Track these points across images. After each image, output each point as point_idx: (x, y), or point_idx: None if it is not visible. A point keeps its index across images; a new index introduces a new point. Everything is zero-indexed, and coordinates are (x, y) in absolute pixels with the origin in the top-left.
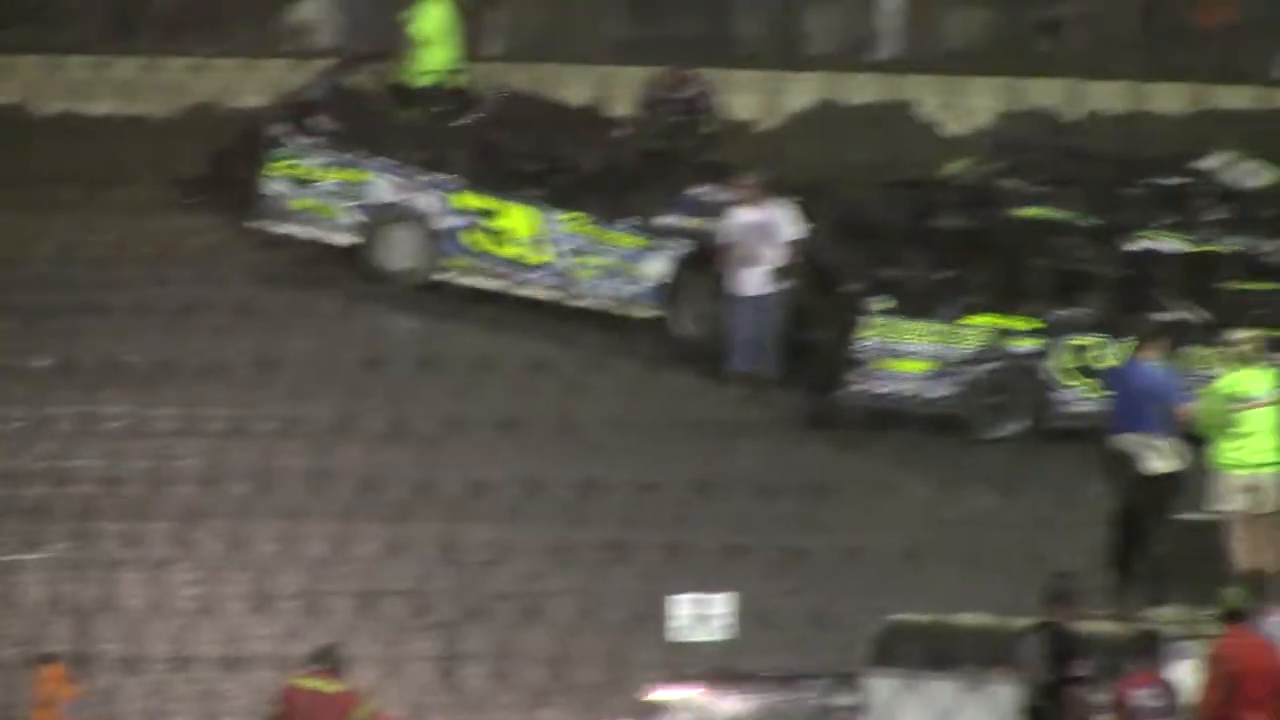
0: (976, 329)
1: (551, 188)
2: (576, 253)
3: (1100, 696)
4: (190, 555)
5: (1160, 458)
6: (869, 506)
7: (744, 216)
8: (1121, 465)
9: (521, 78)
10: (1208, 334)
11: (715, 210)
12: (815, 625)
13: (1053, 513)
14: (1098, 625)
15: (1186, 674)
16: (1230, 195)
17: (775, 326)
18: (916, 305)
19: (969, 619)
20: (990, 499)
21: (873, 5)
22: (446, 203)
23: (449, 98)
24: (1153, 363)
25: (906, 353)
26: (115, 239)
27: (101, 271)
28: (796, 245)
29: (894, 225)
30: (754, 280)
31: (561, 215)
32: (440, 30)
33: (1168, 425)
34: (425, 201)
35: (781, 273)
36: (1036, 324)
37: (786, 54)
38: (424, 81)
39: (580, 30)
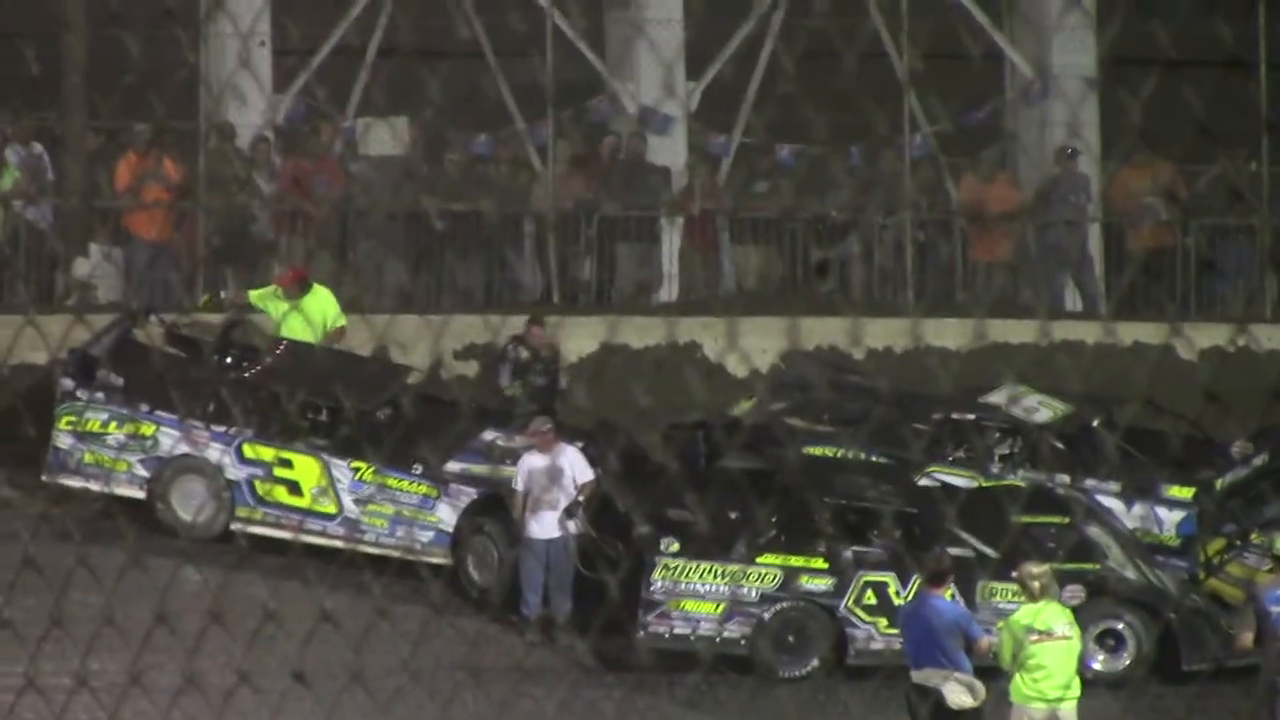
0: (767, 569)
1: (337, 437)
2: (365, 501)
3: None
4: None
5: (961, 692)
6: None
7: (535, 462)
8: (921, 701)
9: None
10: (998, 569)
11: (503, 456)
12: None
13: None
14: None
15: None
16: (1016, 430)
17: (567, 570)
18: (705, 547)
19: None
20: None
21: (653, 248)
22: (238, 454)
23: (231, 349)
24: (945, 598)
25: (698, 594)
26: None
27: None
28: (587, 489)
29: (681, 467)
30: (545, 525)
31: (349, 464)
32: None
33: (965, 660)
34: (216, 453)
35: (572, 516)
36: (827, 563)
37: (566, 298)
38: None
39: (361, 279)
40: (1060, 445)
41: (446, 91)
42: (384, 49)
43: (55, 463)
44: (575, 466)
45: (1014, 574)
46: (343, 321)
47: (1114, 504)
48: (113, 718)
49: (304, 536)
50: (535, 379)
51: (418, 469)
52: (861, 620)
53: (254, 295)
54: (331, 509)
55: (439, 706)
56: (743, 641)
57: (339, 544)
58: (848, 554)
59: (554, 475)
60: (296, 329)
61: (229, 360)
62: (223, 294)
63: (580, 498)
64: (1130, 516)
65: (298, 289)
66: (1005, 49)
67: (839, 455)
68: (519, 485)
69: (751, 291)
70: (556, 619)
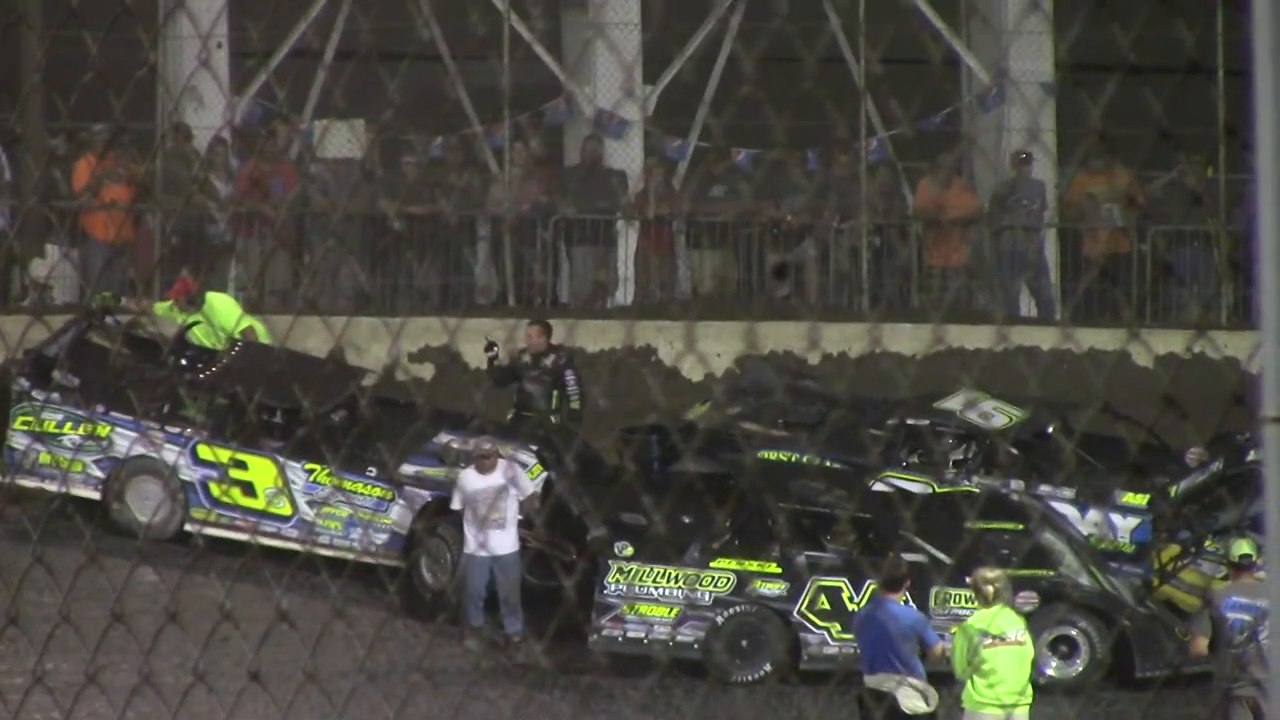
0: (721, 573)
1: (292, 439)
2: (320, 503)
3: None
4: None
5: (915, 697)
6: None
7: (473, 482)
8: (875, 706)
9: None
10: (952, 575)
11: (458, 459)
12: None
13: None
14: None
15: None
16: (971, 435)
17: (514, 588)
18: (660, 550)
19: None
20: None
21: (610, 251)
22: (193, 455)
23: (186, 350)
24: (900, 603)
25: (652, 597)
26: None
27: None
28: (533, 500)
29: (636, 471)
30: (493, 539)
31: (304, 466)
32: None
33: (919, 665)
34: (171, 454)
35: (521, 527)
36: (780, 568)
37: (522, 301)
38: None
39: (318, 281)
40: (1015, 451)
41: (404, 94)
42: (342, 50)
43: (10, 463)
44: (517, 481)
45: (968, 579)
46: (249, 323)
47: (1068, 510)
48: (69, 717)
49: (259, 538)
50: (531, 384)
51: (372, 471)
52: (815, 625)
53: (159, 308)
54: (287, 510)
55: (394, 708)
56: (696, 645)
57: (294, 546)
58: (801, 559)
59: (499, 492)
60: (203, 338)
61: (185, 361)
62: (123, 300)
63: (528, 509)
64: (1085, 523)
65: (187, 302)
66: (962, 54)
67: (794, 460)
68: (455, 505)
69: (707, 295)
70: (509, 637)
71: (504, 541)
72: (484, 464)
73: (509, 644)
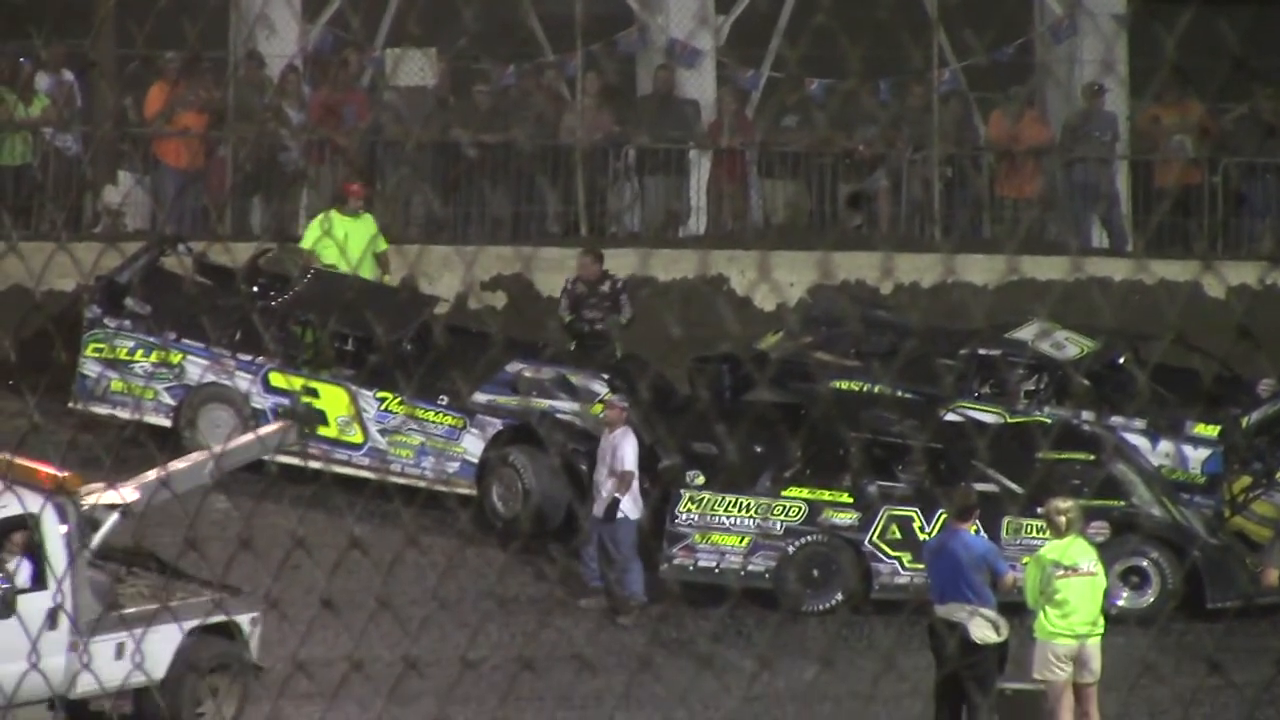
0: (792, 502)
1: (365, 367)
2: (392, 431)
3: None
4: None
5: (986, 627)
6: (689, 681)
7: (603, 439)
8: (946, 635)
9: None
10: (1024, 505)
11: (530, 388)
12: None
13: (875, 684)
14: None
15: None
16: (1043, 366)
17: (622, 553)
18: (732, 480)
19: None
20: (811, 672)
21: (682, 181)
22: (265, 383)
23: (259, 278)
24: (972, 533)
25: (724, 527)
26: None
27: None
28: (626, 478)
29: (708, 400)
30: (599, 504)
31: (375, 394)
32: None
33: (990, 595)
34: (242, 382)
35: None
36: (852, 497)
37: (596, 230)
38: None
39: (389, 209)
40: (1087, 382)
41: (477, 22)
42: None
43: (82, 390)
44: (622, 454)
45: (1040, 510)
46: (384, 246)
47: (1140, 441)
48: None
49: (331, 466)
50: (589, 313)
51: (444, 400)
52: (886, 555)
53: (308, 238)
54: (358, 439)
55: (466, 635)
56: (768, 574)
57: (367, 474)
58: (873, 489)
59: (602, 457)
60: (335, 256)
61: (257, 289)
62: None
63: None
64: (1156, 454)
65: (358, 203)
66: None
67: (866, 390)
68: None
69: (780, 225)
70: (626, 601)
71: (606, 508)
72: (611, 418)
73: (627, 605)
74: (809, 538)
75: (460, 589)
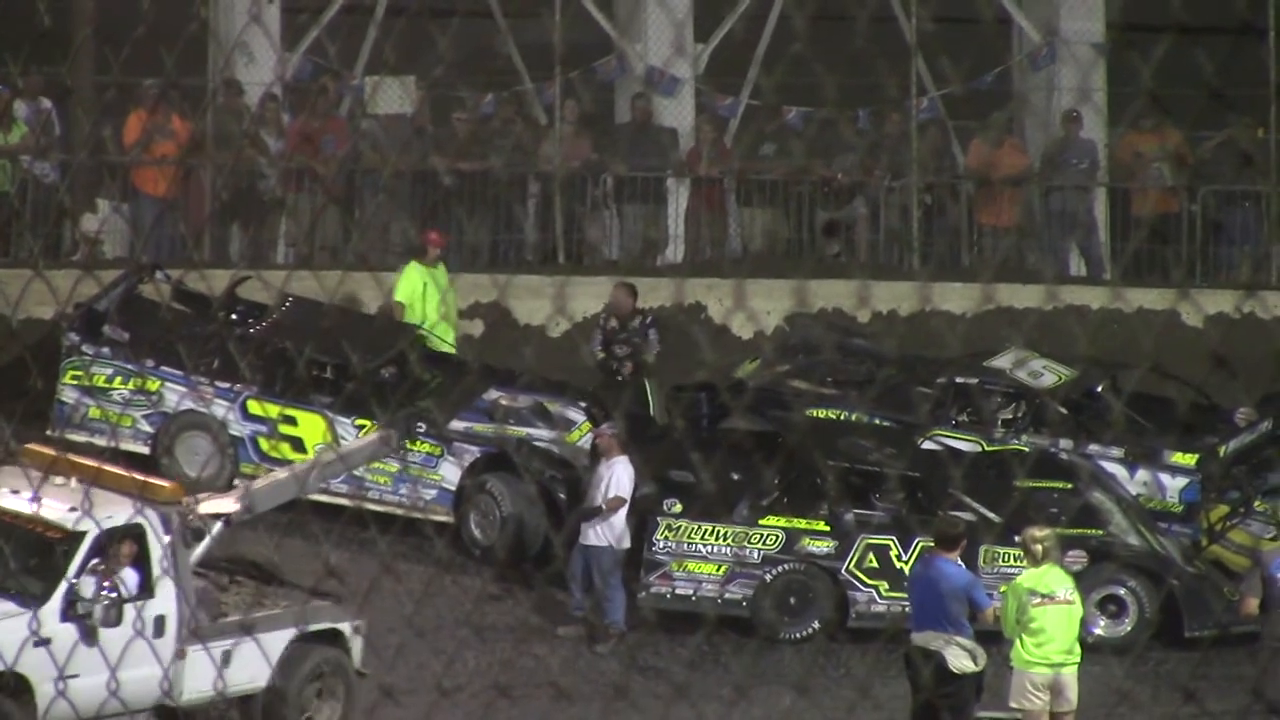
0: (769, 530)
1: (342, 394)
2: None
3: None
4: None
5: (963, 656)
6: (665, 709)
7: (597, 465)
8: (922, 664)
9: (311, 285)
10: (1001, 533)
11: (506, 415)
12: None
13: (851, 713)
14: None
15: None
16: (1020, 394)
17: (605, 575)
18: (709, 508)
19: None
20: (787, 700)
21: (660, 209)
22: (243, 410)
23: (236, 305)
24: (950, 562)
25: (701, 554)
26: None
27: None
28: (614, 503)
29: (685, 428)
30: (587, 530)
31: (354, 421)
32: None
33: (967, 625)
34: (220, 409)
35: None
36: (829, 525)
37: (571, 258)
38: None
39: (369, 237)
40: (1064, 410)
41: (456, 50)
42: (393, 6)
43: (60, 417)
44: (617, 480)
45: (1017, 538)
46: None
47: (1117, 469)
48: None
49: (310, 494)
50: (619, 348)
51: (421, 427)
52: (863, 583)
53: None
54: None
55: (443, 663)
56: (744, 603)
57: (343, 501)
58: (850, 517)
59: (596, 485)
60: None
61: (234, 316)
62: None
63: (612, 511)
64: (1133, 482)
65: (436, 253)
66: (1014, 13)
67: (843, 418)
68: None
69: (758, 253)
70: (606, 629)
71: (592, 532)
72: (605, 446)
73: (606, 632)
74: (786, 566)
75: (437, 616)
